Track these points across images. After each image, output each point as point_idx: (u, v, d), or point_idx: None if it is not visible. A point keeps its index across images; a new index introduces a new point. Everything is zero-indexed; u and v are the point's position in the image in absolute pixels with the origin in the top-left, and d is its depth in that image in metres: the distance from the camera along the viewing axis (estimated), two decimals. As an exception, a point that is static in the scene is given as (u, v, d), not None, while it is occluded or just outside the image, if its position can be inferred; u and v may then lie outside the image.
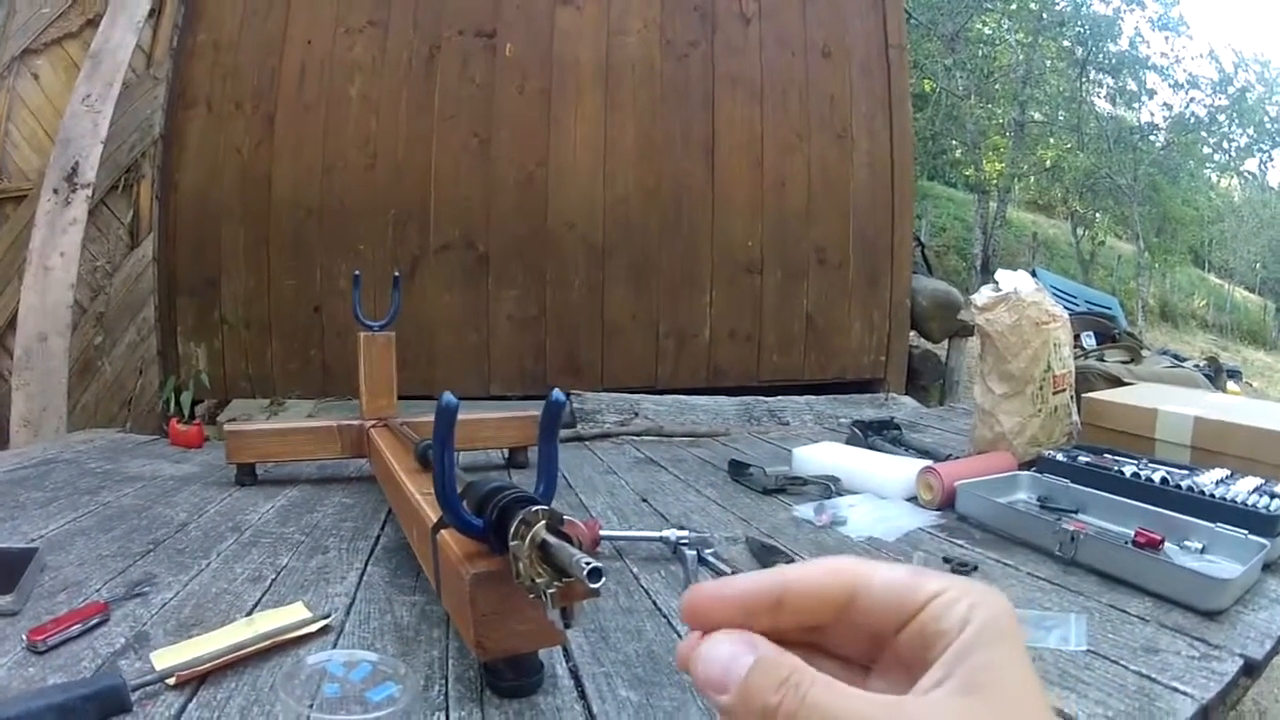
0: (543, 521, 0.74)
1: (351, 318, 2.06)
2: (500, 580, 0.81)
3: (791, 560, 1.37)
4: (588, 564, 0.58)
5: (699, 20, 3.59)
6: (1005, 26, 14.37)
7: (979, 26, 14.21)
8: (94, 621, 1.11)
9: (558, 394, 0.82)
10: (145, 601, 1.22)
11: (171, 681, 0.94)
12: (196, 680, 0.96)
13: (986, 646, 0.25)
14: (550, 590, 0.71)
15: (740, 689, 0.25)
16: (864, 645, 0.29)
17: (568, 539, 0.73)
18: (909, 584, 0.27)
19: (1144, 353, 3.89)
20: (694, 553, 1.39)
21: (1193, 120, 15.35)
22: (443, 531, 0.95)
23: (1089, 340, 3.85)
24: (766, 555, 1.46)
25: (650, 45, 3.53)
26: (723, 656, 0.26)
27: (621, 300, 3.48)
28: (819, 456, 2.05)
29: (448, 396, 0.78)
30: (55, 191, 2.70)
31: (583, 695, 0.96)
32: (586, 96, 3.45)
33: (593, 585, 0.57)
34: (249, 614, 1.17)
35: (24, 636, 1.05)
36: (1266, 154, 17.32)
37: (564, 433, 2.72)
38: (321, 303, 3.20)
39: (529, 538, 0.74)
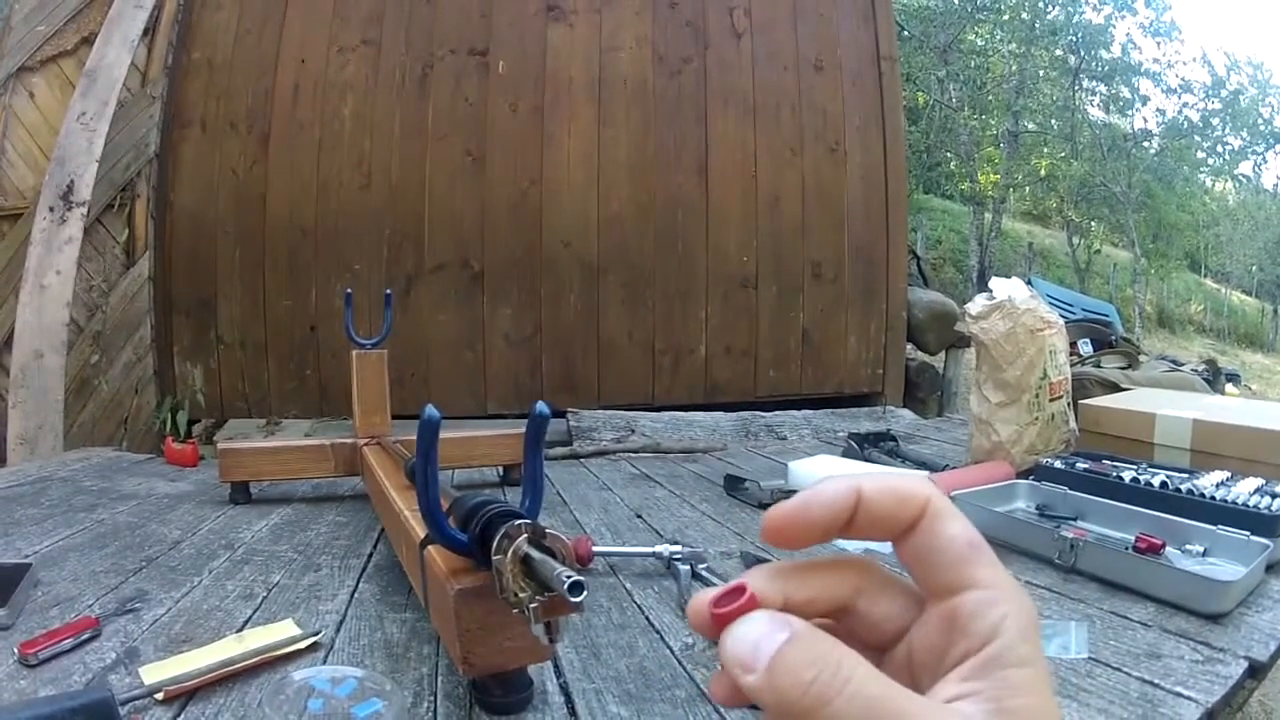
0: (525, 535, 0.74)
1: (346, 337, 2.06)
2: (486, 595, 0.79)
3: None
4: (569, 578, 0.57)
5: (691, 36, 3.61)
6: (998, 37, 14.48)
7: (971, 38, 14.32)
8: (85, 636, 1.11)
9: (541, 407, 0.81)
10: (136, 617, 1.21)
11: (160, 696, 0.94)
12: (185, 695, 0.95)
13: (1016, 665, 0.24)
14: (533, 605, 0.70)
15: (770, 665, 0.23)
16: (888, 626, 0.28)
17: (552, 553, 0.72)
18: (962, 555, 0.26)
19: (1141, 358, 3.88)
20: (687, 568, 1.38)
21: (1186, 125, 15.47)
22: (430, 547, 0.94)
23: (1086, 347, 3.85)
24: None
25: (643, 61, 3.54)
26: (754, 634, 0.24)
27: (617, 317, 3.48)
28: (814, 470, 2.04)
29: (430, 410, 0.77)
30: (51, 210, 2.71)
31: (573, 712, 0.95)
32: (579, 114, 3.46)
33: (574, 599, 0.56)
34: (239, 631, 1.16)
35: (16, 650, 1.05)
36: (1260, 156, 17.43)
37: (560, 450, 2.72)
38: (317, 322, 3.19)
39: (511, 552, 0.73)
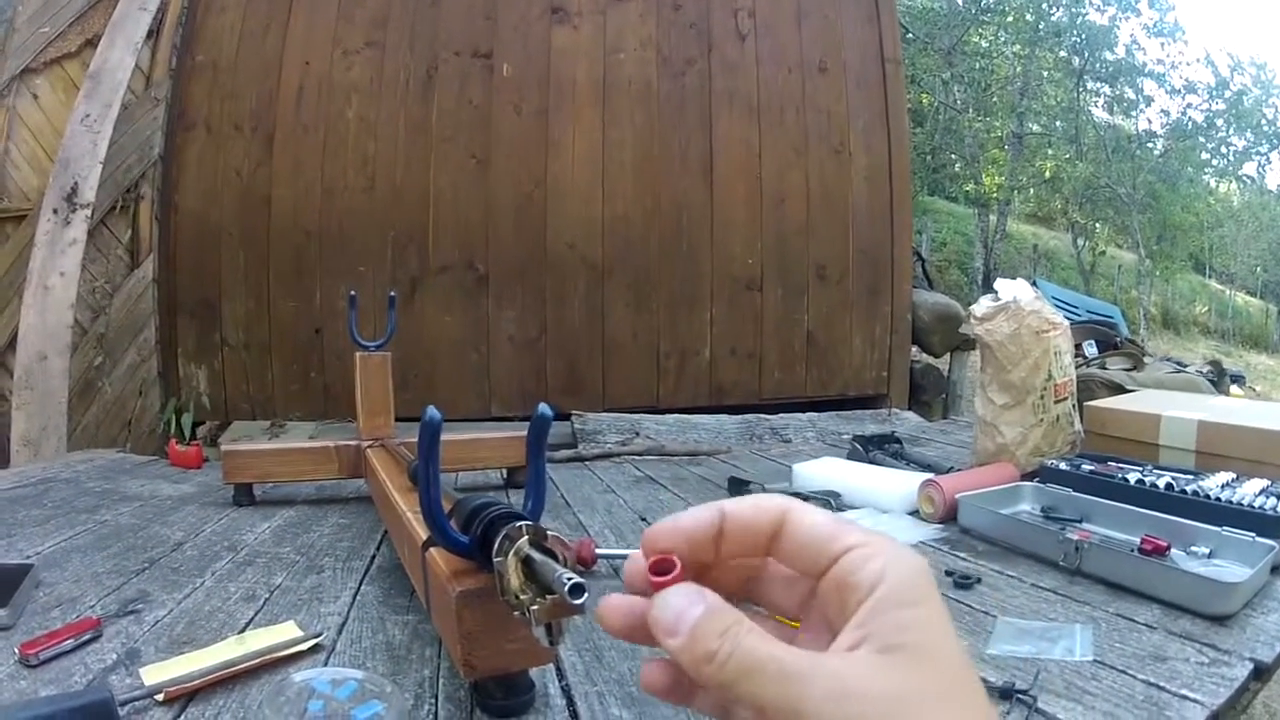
0: (526, 537, 0.73)
1: (350, 339, 2.05)
2: (487, 598, 0.79)
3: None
4: (569, 580, 0.57)
5: (695, 38, 3.61)
6: (1002, 39, 14.47)
7: (976, 39, 14.31)
8: (86, 637, 1.11)
9: (544, 409, 0.81)
10: (138, 618, 1.21)
11: (160, 697, 0.93)
12: (186, 697, 0.95)
13: (902, 606, 0.27)
14: (535, 607, 0.70)
15: (689, 633, 0.28)
16: (794, 597, 0.32)
17: (553, 555, 0.72)
18: (830, 533, 0.29)
19: (1146, 359, 3.87)
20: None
21: (1190, 126, 15.44)
22: (432, 549, 0.93)
23: (1091, 349, 3.83)
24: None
25: (647, 64, 3.54)
26: (677, 605, 0.29)
27: (622, 319, 3.47)
28: (819, 472, 2.03)
29: (431, 411, 0.77)
30: (55, 211, 2.72)
31: (575, 715, 0.95)
32: (584, 116, 3.46)
33: (575, 601, 0.56)
34: (241, 632, 1.16)
35: (16, 650, 1.05)
36: (1265, 157, 17.39)
37: (564, 453, 2.72)
38: (322, 324, 3.20)
39: (513, 553, 0.72)
